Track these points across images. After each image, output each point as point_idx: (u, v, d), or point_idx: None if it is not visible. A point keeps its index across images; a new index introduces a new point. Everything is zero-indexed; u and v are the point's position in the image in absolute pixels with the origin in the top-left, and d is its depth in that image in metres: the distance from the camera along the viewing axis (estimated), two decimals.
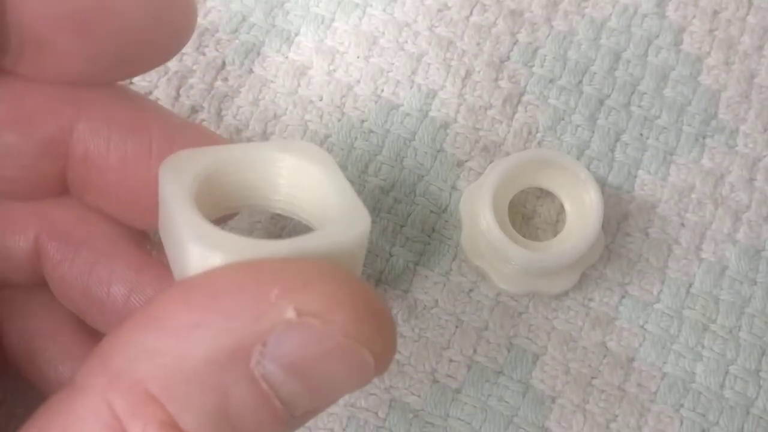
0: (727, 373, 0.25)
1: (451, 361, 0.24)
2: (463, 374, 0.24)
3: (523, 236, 0.25)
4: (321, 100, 0.27)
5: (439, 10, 0.28)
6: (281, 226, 0.25)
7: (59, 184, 0.19)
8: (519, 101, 0.27)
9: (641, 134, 0.27)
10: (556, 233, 0.26)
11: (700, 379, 0.24)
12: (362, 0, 0.28)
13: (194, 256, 0.15)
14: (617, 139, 0.27)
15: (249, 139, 0.26)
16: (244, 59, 0.27)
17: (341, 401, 0.24)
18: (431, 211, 0.26)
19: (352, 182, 0.22)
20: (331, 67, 0.27)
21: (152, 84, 0.27)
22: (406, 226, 0.26)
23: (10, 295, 0.21)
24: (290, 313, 0.14)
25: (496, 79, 0.27)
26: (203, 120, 0.26)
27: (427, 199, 0.26)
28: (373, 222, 0.25)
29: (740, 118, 0.27)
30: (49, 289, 0.20)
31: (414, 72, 0.27)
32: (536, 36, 0.28)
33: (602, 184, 0.26)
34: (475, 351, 0.24)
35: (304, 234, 0.16)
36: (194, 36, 0.26)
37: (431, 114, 0.27)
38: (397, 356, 0.24)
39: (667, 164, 0.27)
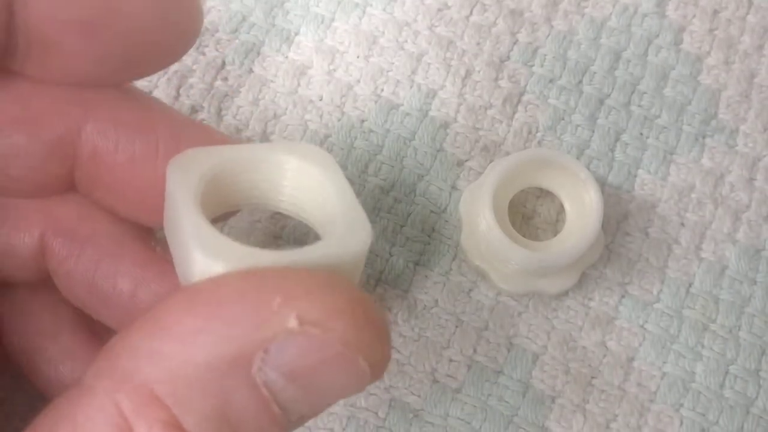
0: (727, 372, 0.25)
1: (450, 360, 0.24)
2: (463, 374, 0.24)
3: (523, 236, 0.25)
4: (321, 100, 0.27)
5: (439, 10, 0.28)
6: (281, 225, 0.25)
7: (66, 183, 0.19)
8: (519, 101, 0.27)
9: (641, 134, 0.27)
10: (556, 233, 0.26)
11: (700, 379, 0.24)
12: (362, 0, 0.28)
13: (198, 264, 0.15)
14: (617, 139, 0.27)
15: (249, 139, 0.26)
16: (244, 59, 0.27)
17: (341, 401, 0.24)
18: (431, 211, 0.26)
19: (352, 182, 0.22)
20: (331, 67, 0.27)
21: (152, 84, 0.27)
22: (406, 225, 0.26)
23: (11, 294, 0.21)
24: (292, 322, 0.14)
25: (496, 79, 0.27)
26: (203, 120, 0.26)
27: (427, 199, 0.26)
28: (373, 222, 0.25)
29: (740, 117, 0.27)
30: (49, 288, 0.21)
31: (414, 72, 0.27)
32: (536, 36, 0.28)
33: (602, 183, 0.26)
34: (475, 351, 0.24)
35: (307, 245, 0.16)
36: None
37: (431, 114, 0.27)
38: (397, 356, 0.24)
39: (667, 164, 0.27)
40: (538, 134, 0.27)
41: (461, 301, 0.25)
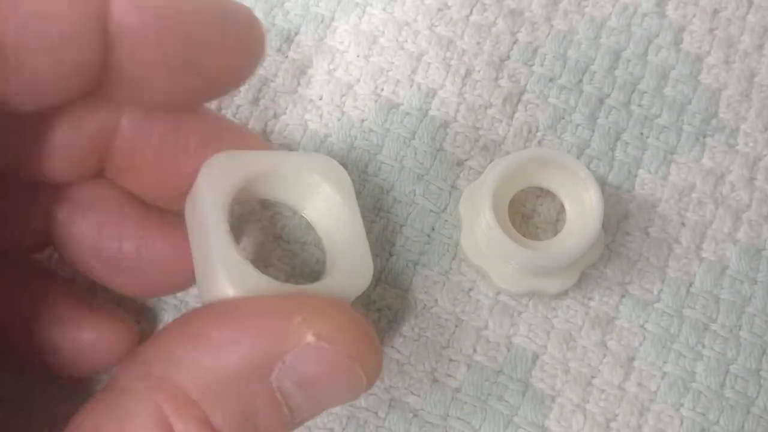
0: (727, 372, 0.24)
1: (450, 360, 0.24)
2: (463, 373, 0.24)
3: (523, 235, 0.25)
4: (321, 99, 0.27)
5: (439, 9, 0.28)
6: (281, 225, 0.25)
7: (96, 172, 0.21)
8: (519, 100, 0.27)
9: (641, 133, 0.27)
10: (556, 232, 0.25)
11: (701, 379, 0.24)
12: None
13: (221, 286, 0.18)
14: (617, 138, 0.27)
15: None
16: None
17: None
18: (431, 211, 0.26)
19: (352, 182, 0.22)
20: (331, 66, 0.27)
21: None
22: (406, 225, 0.26)
23: (5, 263, 0.22)
24: (310, 337, 0.17)
25: (496, 78, 0.27)
26: None
27: (426, 199, 0.26)
28: (373, 222, 0.25)
29: (741, 117, 0.27)
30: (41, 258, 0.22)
31: (414, 71, 0.27)
32: (536, 35, 0.28)
33: (602, 183, 0.26)
34: (474, 350, 0.24)
35: (316, 281, 0.20)
36: None
37: (431, 113, 0.27)
38: (397, 356, 0.24)
39: (667, 163, 0.27)
40: (538, 134, 0.27)
41: (461, 301, 0.25)
